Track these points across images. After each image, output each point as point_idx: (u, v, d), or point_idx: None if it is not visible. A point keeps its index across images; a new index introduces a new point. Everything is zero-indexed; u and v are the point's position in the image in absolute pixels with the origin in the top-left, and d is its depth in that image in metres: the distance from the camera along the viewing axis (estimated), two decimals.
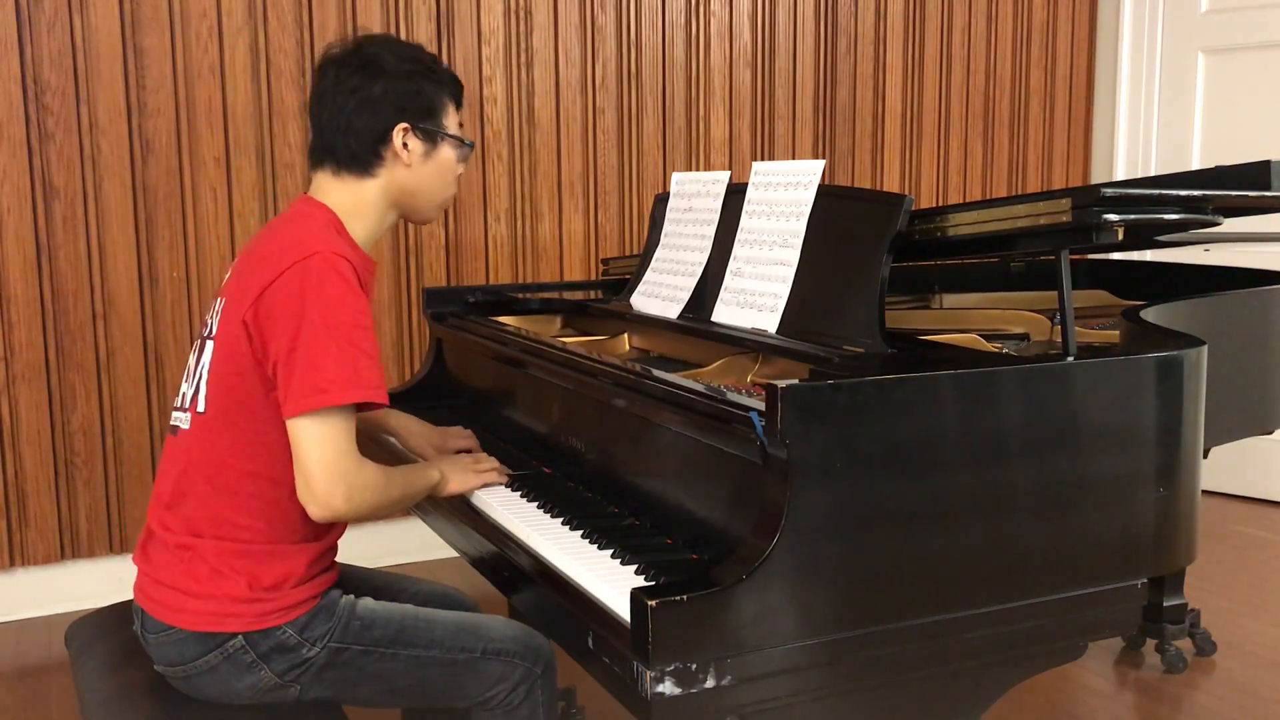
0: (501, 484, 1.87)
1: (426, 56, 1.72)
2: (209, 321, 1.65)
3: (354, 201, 1.68)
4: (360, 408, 1.55)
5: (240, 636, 1.54)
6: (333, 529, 1.65)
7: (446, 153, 1.72)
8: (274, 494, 1.57)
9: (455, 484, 1.83)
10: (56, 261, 3.06)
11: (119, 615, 1.77)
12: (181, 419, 1.63)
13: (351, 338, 1.51)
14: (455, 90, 1.75)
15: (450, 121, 1.73)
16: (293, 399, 1.49)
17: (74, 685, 1.71)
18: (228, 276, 1.67)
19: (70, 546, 3.16)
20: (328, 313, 1.50)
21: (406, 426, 2.06)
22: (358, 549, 3.25)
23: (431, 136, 1.70)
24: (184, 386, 1.65)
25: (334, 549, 1.68)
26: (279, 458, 1.55)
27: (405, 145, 1.67)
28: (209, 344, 1.61)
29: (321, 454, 1.50)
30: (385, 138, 1.66)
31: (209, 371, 1.59)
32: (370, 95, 1.65)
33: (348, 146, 1.66)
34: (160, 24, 3.10)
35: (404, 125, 1.67)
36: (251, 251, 1.65)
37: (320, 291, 1.50)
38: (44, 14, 2.98)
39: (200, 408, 1.59)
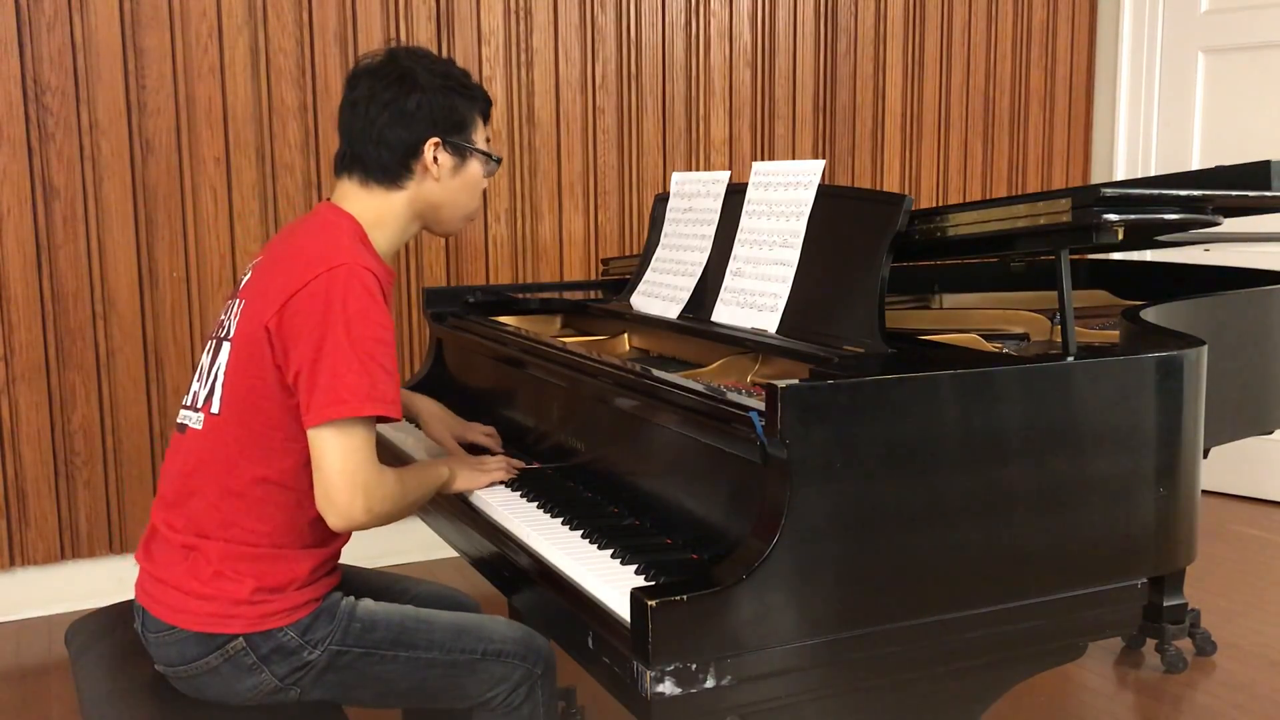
0: (506, 482, 1.87)
1: (459, 72, 1.73)
2: (225, 323, 1.64)
3: (379, 212, 1.69)
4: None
5: (241, 638, 1.54)
6: (340, 535, 1.64)
7: (474, 168, 1.74)
8: (283, 499, 1.57)
9: (461, 482, 1.84)
10: (56, 261, 3.06)
11: (119, 615, 1.77)
12: (192, 418, 1.62)
13: (373, 352, 1.51)
14: (485, 106, 1.76)
15: (479, 137, 1.74)
16: (315, 409, 1.50)
17: (74, 685, 1.71)
18: (247, 278, 1.67)
19: (70, 546, 3.16)
20: (352, 325, 1.51)
21: (430, 410, 2.08)
22: (358, 549, 3.24)
23: (461, 151, 1.71)
24: (195, 385, 1.65)
25: (339, 553, 1.68)
26: (291, 464, 1.56)
27: (435, 159, 1.68)
28: (225, 345, 1.61)
29: (345, 465, 1.51)
30: (416, 151, 1.67)
31: (225, 373, 1.59)
32: (404, 108, 1.66)
33: (378, 158, 1.67)
34: (160, 24, 3.10)
35: (435, 139, 1.68)
36: (274, 256, 1.65)
37: (345, 303, 1.51)
38: (44, 14, 2.98)
39: (214, 409, 1.59)
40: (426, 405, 2.08)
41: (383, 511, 1.56)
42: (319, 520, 1.58)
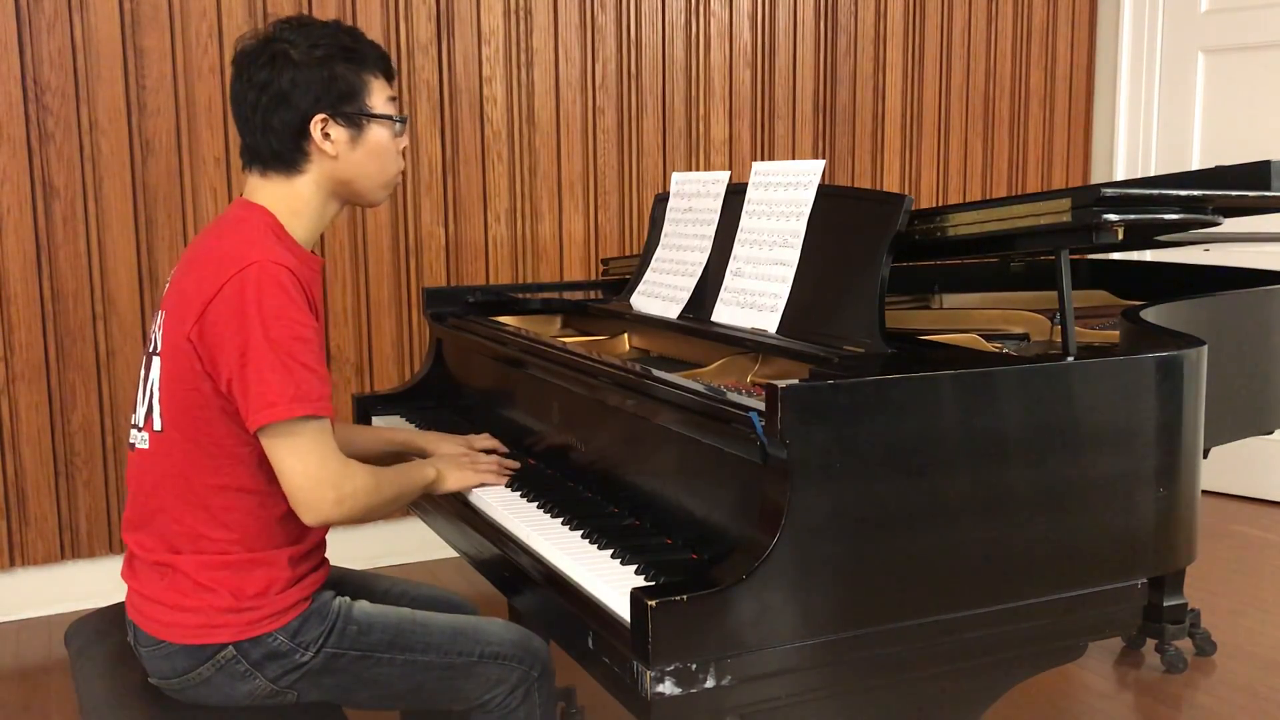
0: (500, 483, 1.86)
1: (343, 35, 1.62)
2: (153, 336, 1.61)
3: (288, 201, 1.62)
4: None
5: (230, 647, 1.53)
6: (313, 529, 1.63)
7: (377, 133, 1.64)
8: (246, 503, 1.55)
9: (453, 481, 1.82)
10: (56, 261, 3.06)
11: (119, 615, 1.77)
12: (139, 438, 1.60)
13: (293, 351, 1.48)
14: (380, 64, 1.65)
15: (376, 99, 1.64)
16: (251, 415, 1.48)
17: (74, 685, 1.71)
18: (167, 288, 1.63)
19: (70, 546, 3.16)
20: (269, 327, 1.47)
21: (435, 437, 2.02)
22: (356, 549, 3.25)
23: (354, 121, 1.61)
24: (138, 403, 1.62)
25: (321, 547, 1.67)
26: (244, 467, 1.54)
27: (327, 135, 1.60)
28: (155, 360, 1.58)
29: (304, 466, 1.50)
30: (304, 132, 1.59)
31: (160, 389, 1.56)
32: (280, 89, 1.57)
33: (268, 145, 1.60)
34: (160, 24, 3.10)
35: (321, 116, 1.59)
36: (189, 262, 1.60)
37: (260, 305, 1.47)
38: (44, 14, 2.98)
39: (157, 426, 1.57)
40: (420, 437, 2.01)
41: (355, 505, 1.54)
42: (288, 517, 1.57)
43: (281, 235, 1.60)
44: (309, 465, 1.50)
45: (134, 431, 1.62)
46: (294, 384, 1.47)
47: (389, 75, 1.67)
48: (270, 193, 1.62)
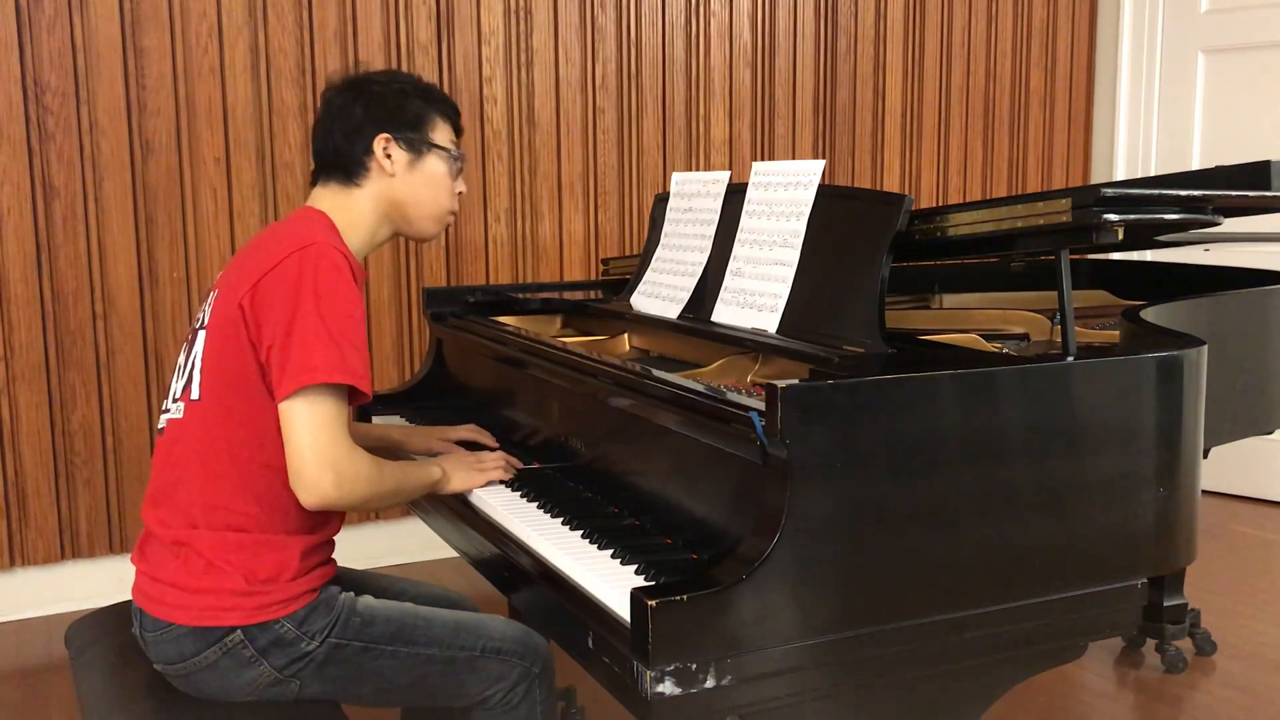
0: (506, 477, 1.87)
1: (425, 83, 1.80)
2: (201, 315, 1.67)
3: (347, 213, 1.73)
4: (350, 398, 1.57)
5: (238, 631, 1.54)
6: (329, 522, 1.65)
7: (434, 164, 1.76)
8: (267, 479, 1.58)
9: (458, 482, 1.84)
10: (56, 261, 3.06)
11: (119, 615, 1.77)
12: (173, 409, 1.64)
13: (343, 327, 1.54)
14: (446, 109, 1.80)
15: (439, 135, 1.77)
16: (286, 380, 1.52)
17: (74, 685, 1.71)
18: (221, 274, 1.70)
19: (70, 546, 3.16)
20: (322, 301, 1.53)
21: (401, 431, 2.11)
22: (357, 549, 3.26)
23: (415, 146, 1.75)
24: (174, 384, 1.67)
25: (330, 544, 1.68)
26: (272, 443, 1.57)
27: (388, 155, 1.72)
28: (201, 334, 1.63)
29: (314, 439, 1.52)
30: (368, 148, 1.72)
31: (203, 358, 1.61)
32: (354, 112, 1.73)
33: (335, 157, 1.73)
34: (160, 24, 3.10)
35: (385, 135, 1.72)
36: (249, 249, 1.68)
37: (316, 280, 1.54)
38: (44, 14, 2.98)
39: (194, 394, 1.61)
40: (396, 430, 2.12)
41: (355, 491, 1.56)
42: None
43: (338, 235, 1.69)
44: (319, 441, 1.52)
45: (164, 414, 1.66)
46: (340, 355, 1.52)
47: (455, 124, 1.82)
48: (329, 202, 1.74)
